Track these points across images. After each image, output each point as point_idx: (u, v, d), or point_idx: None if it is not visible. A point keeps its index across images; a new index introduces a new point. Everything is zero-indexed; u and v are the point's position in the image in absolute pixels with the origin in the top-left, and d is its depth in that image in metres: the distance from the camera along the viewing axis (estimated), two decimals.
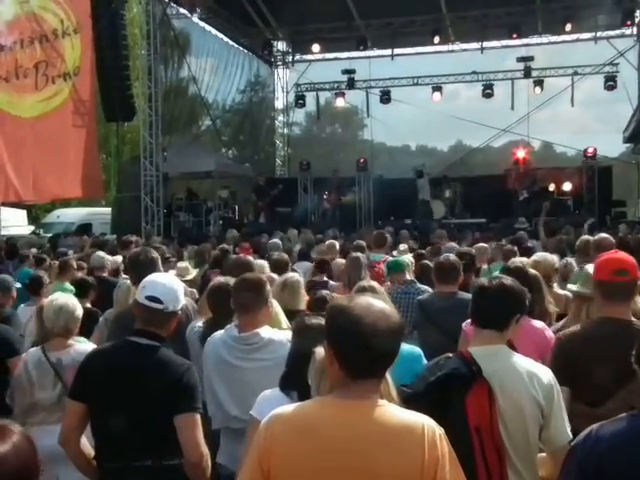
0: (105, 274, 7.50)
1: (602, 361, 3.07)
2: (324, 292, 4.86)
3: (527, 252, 7.57)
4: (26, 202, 20.03)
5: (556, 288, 5.77)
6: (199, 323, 4.68)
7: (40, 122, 16.74)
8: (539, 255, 6.33)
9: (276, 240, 10.24)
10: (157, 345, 3.18)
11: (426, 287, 6.12)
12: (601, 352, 3.15)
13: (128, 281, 5.69)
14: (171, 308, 3.23)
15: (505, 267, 5.08)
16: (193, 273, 6.22)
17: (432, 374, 2.79)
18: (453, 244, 8.84)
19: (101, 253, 8.05)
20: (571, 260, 6.98)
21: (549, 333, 4.00)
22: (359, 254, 7.16)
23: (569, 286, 4.54)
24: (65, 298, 4.37)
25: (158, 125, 18.07)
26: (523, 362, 2.84)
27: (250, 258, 5.86)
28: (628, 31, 22.17)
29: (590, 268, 4.19)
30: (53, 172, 16.66)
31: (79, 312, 4.32)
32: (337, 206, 19.94)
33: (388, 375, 2.22)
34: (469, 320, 4.05)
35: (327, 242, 9.92)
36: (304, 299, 4.97)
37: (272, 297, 4.61)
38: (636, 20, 21.66)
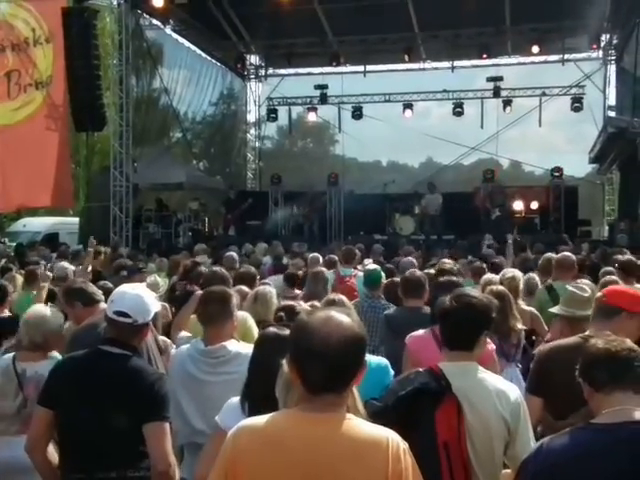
0: None
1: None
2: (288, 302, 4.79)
3: (496, 269, 7.63)
4: None
5: (521, 304, 5.85)
6: (184, 334, 4.60)
7: (10, 130, 16.50)
8: (510, 272, 6.39)
9: (232, 253, 9.99)
10: (128, 354, 3.17)
11: (390, 304, 6.15)
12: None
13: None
14: (140, 321, 3.22)
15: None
16: (162, 288, 6.14)
17: (402, 388, 2.79)
18: (411, 259, 8.84)
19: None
20: (534, 275, 7.08)
21: (490, 346, 3.96)
22: (321, 268, 7.20)
23: (554, 309, 4.23)
24: (42, 310, 4.23)
25: (129, 136, 17.91)
26: (492, 379, 2.86)
27: (225, 271, 5.85)
28: (594, 54, 22.77)
29: (572, 288, 4.09)
30: (22, 180, 16.38)
31: (53, 325, 4.12)
32: (313, 220, 19.87)
33: (355, 388, 2.20)
34: (413, 333, 4.14)
35: (310, 255, 9.82)
36: None
37: (245, 310, 4.61)
38: (602, 44, 22.21)
